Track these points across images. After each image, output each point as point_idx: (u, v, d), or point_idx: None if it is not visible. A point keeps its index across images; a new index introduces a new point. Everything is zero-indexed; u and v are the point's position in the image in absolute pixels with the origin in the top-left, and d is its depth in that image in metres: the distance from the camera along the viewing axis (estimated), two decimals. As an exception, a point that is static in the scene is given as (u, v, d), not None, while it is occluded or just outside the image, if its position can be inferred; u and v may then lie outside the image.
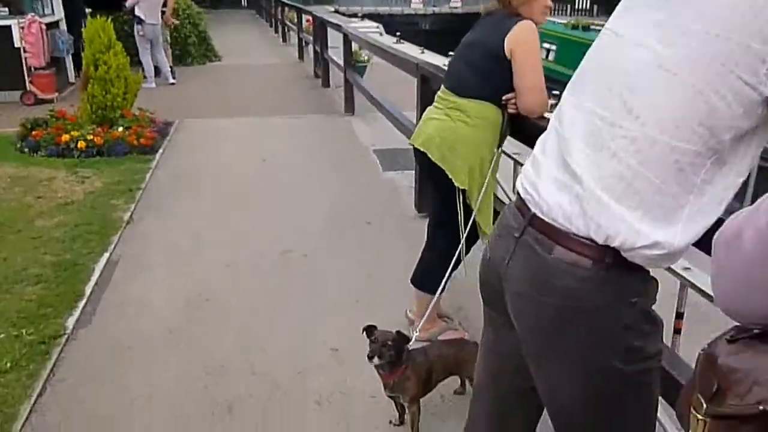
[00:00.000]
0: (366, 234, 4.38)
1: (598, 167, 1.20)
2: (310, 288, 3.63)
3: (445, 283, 2.59)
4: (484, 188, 2.70)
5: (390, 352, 2.24)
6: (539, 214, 1.28)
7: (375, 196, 5.15)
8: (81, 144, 6.09)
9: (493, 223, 2.68)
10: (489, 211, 2.76)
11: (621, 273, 1.22)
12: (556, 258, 1.24)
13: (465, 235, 2.67)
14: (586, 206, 1.20)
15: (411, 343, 2.37)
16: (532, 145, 2.71)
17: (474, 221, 2.70)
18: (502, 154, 2.82)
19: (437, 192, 2.84)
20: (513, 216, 1.38)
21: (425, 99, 3.94)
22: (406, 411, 2.43)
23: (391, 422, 2.50)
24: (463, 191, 2.68)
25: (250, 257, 4.02)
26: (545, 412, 1.49)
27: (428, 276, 2.86)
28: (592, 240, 1.20)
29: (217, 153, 6.49)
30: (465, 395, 2.60)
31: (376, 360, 2.22)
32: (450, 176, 2.64)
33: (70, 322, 3.23)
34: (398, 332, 2.28)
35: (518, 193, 1.39)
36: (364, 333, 2.30)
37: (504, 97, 2.59)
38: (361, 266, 3.86)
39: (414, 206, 4.81)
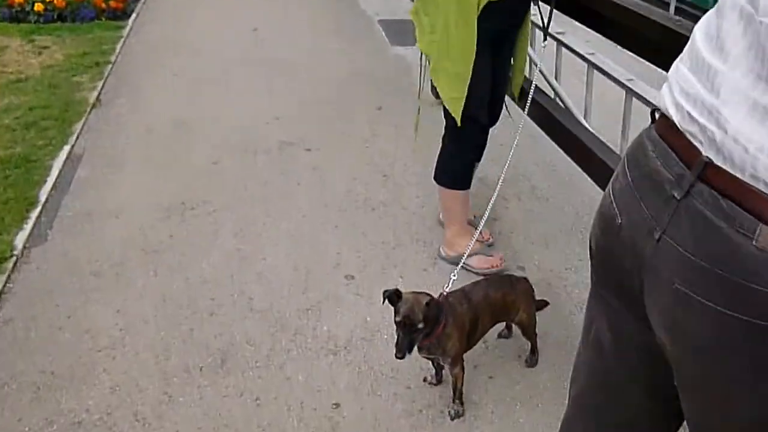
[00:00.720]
0: (378, 122, 4.02)
1: None
2: (316, 193, 3.30)
3: (465, 180, 2.61)
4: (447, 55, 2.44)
5: (423, 333, 1.91)
6: (722, 164, 0.81)
7: (384, 76, 4.77)
8: (38, 6, 5.79)
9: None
10: (451, 82, 2.47)
11: None
12: (762, 247, 0.78)
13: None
14: None
15: (454, 277, 2.03)
16: (587, 22, 2.38)
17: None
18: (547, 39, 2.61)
19: None
20: (662, 156, 0.89)
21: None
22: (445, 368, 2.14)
23: (425, 380, 2.18)
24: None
25: (243, 152, 3.70)
26: None
27: (443, 170, 2.74)
28: None
29: (201, 20, 6.19)
30: (511, 339, 2.32)
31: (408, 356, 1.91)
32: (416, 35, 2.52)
33: (20, 239, 2.90)
34: (428, 303, 1.90)
35: (665, 118, 0.89)
36: (386, 301, 1.92)
37: None
38: (374, 164, 3.53)
39: (431, 90, 4.29)
